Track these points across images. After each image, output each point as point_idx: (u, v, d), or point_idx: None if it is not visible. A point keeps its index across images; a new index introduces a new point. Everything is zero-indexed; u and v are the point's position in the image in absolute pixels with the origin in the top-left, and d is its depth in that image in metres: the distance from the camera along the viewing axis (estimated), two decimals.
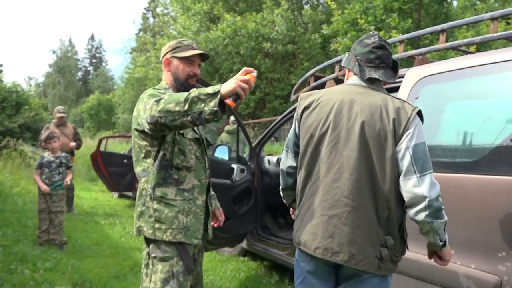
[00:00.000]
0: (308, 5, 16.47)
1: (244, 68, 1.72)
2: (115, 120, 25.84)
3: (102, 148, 8.51)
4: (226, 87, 1.65)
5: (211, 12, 15.07)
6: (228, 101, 1.65)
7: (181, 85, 2.09)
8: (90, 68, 53.15)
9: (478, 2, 17.38)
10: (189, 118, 1.68)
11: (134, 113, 1.99)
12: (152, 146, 1.99)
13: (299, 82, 4.30)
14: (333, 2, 11.51)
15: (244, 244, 4.29)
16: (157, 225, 1.97)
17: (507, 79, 2.23)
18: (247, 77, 1.67)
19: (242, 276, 3.99)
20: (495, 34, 2.45)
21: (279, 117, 4.13)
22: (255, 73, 1.72)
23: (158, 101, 1.74)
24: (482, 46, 7.95)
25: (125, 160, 8.65)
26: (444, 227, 1.70)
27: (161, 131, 1.86)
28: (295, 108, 3.84)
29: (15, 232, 4.99)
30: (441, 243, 1.73)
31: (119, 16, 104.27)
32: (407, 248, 1.85)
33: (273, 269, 4.15)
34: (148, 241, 2.04)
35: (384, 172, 1.67)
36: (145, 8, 36.21)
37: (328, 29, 11.24)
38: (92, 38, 55.42)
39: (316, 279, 1.83)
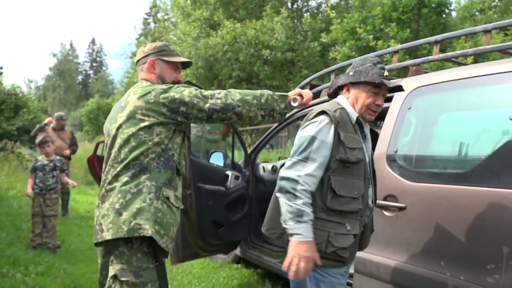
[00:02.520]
0: (308, 13, 16.56)
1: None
2: None
3: (99, 153, 8.50)
4: (291, 92, 1.94)
5: (211, 19, 15.15)
6: (292, 103, 1.92)
7: None
8: (91, 72, 53.28)
9: (477, 13, 17.48)
10: (262, 112, 1.85)
11: (139, 103, 1.84)
12: (160, 145, 1.85)
13: None
14: (332, 11, 11.59)
15: (237, 251, 4.28)
16: (157, 227, 1.78)
17: (499, 91, 2.25)
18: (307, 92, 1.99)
19: (235, 284, 3.98)
20: (487, 46, 2.47)
21: (275, 125, 4.13)
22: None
23: (228, 92, 1.85)
24: (480, 57, 7.99)
25: None
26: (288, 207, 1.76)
27: (217, 120, 1.88)
28: (291, 116, 3.87)
29: (9, 235, 4.97)
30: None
31: (119, 20, 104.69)
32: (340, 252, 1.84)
33: (266, 277, 4.13)
34: (117, 258, 1.78)
35: None
36: (146, 13, 36.37)
37: (327, 37, 11.30)
38: (93, 42, 55.68)
39: None
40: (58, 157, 4.92)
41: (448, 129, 2.56)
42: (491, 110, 2.41)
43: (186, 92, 1.84)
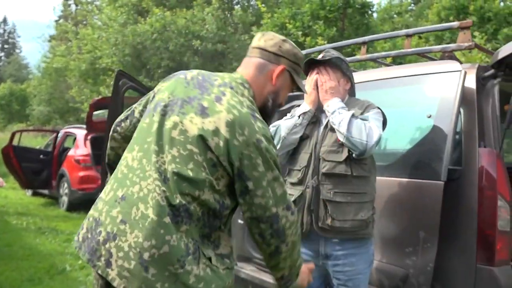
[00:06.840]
0: (239, 5, 16.63)
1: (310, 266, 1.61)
2: (29, 112, 24.09)
3: (15, 143, 7.92)
4: (300, 281, 1.52)
5: (139, 5, 14.65)
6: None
7: (272, 109, 1.51)
8: (1, 54, 48.92)
9: (395, 16, 18.81)
10: (285, 272, 1.46)
11: (227, 137, 1.28)
12: (216, 192, 1.32)
13: None
14: (263, 5, 11.75)
15: None
16: None
17: (413, 91, 2.50)
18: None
19: None
20: (408, 50, 2.71)
21: None
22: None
23: (288, 228, 1.37)
24: (398, 58, 8.62)
25: (41, 156, 8.15)
26: None
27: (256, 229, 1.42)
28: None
29: None
30: None
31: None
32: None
33: None
34: None
35: None
36: None
37: (258, 31, 11.45)
38: (4, 21, 51.03)
39: None
40: None
41: None
42: (406, 108, 2.66)
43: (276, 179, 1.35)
